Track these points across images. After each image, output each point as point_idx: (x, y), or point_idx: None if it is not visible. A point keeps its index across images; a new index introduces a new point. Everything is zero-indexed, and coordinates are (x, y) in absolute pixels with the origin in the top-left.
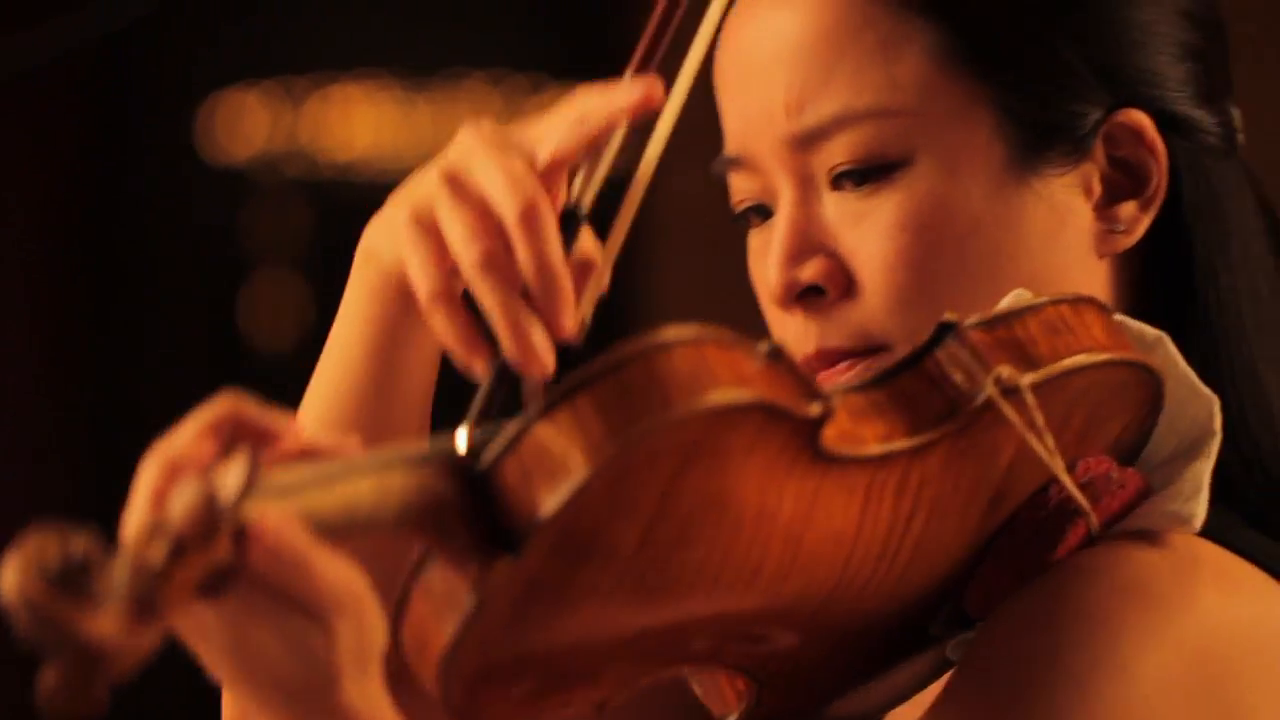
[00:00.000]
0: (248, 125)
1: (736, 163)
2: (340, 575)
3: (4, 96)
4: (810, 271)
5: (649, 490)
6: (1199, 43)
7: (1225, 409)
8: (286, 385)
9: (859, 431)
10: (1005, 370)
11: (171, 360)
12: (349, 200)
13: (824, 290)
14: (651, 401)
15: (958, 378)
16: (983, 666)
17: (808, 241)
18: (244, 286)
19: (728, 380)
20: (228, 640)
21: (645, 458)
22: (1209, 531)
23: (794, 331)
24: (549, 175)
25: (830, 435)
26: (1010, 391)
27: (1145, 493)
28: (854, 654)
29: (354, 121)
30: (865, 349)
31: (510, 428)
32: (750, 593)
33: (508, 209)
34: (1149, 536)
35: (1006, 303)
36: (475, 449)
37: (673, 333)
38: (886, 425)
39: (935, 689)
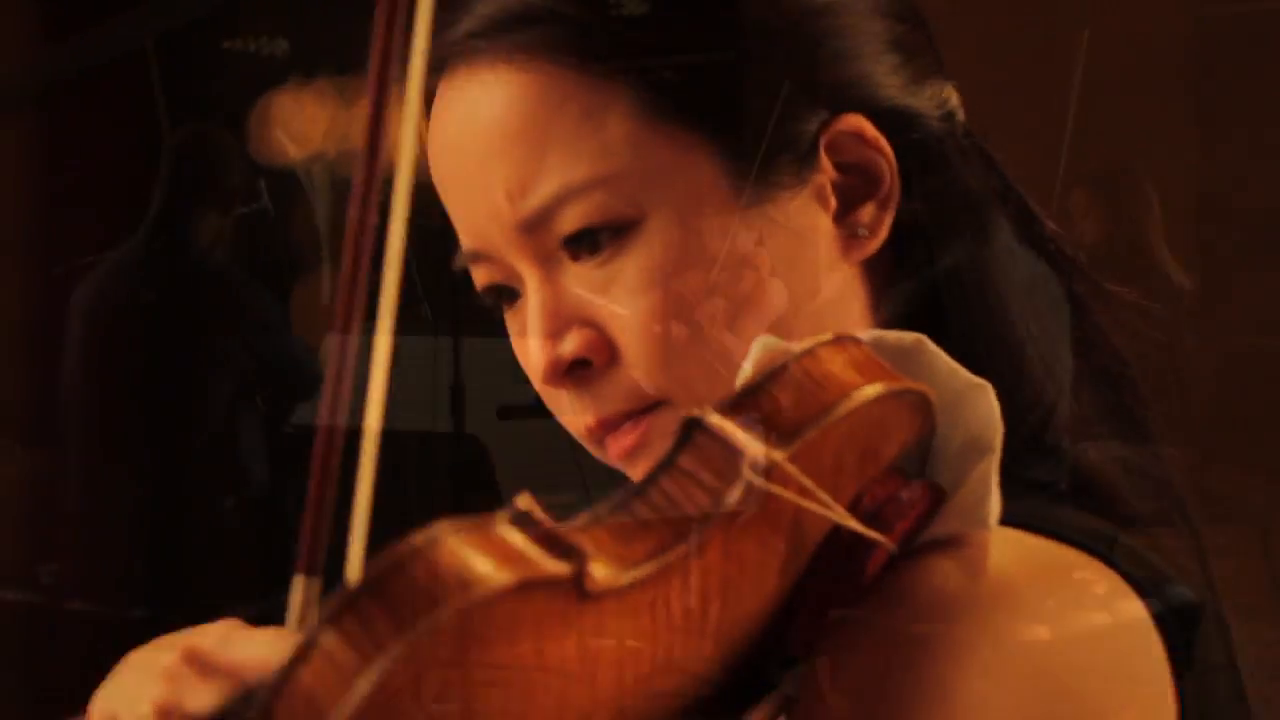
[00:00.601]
0: (301, 125)
1: (476, 257)
2: None
3: (60, 97)
4: (571, 345)
5: (424, 695)
6: (899, 34)
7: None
8: None
9: (628, 553)
10: (759, 452)
11: (223, 360)
12: None
13: (589, 361)
14: (397, 622)
15: (713, 471)
16: (810, 709)
17: (561, 318)
18: (297, 286)
19: (472, 572)
20: None
21: (408, 679)
22: (1009, 516)
23: (568, 405)
24: None
25: (597, 573)
26: (769, 469)
27: (939, 500)
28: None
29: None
30: (644, 407)
31: (269, 682)
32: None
33: None
34: (948, 545)
35: (753, 354)
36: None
37: (406, 544)
38: (654, 539)
39: None
